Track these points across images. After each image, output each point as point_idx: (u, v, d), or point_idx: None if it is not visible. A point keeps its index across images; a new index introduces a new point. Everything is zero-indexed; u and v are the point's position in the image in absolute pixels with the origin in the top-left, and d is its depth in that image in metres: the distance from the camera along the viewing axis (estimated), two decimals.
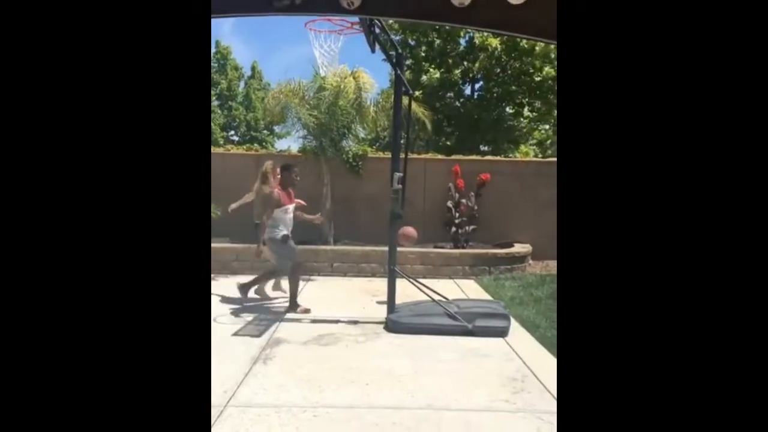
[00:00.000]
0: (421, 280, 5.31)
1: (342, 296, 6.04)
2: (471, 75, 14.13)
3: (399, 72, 4.63)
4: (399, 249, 5.01)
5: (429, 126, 8.88)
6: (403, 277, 5.03)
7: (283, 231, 5.16)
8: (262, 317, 4.89)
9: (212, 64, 27.13)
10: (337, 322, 4.73)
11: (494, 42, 13.14)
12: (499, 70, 13.78)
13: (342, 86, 7.74)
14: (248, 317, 4.86)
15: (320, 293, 6.17)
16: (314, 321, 4.76)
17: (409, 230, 5.11)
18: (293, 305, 5.11)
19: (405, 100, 4.92)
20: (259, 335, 4.29)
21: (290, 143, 29.93)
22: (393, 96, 4.95)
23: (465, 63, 13.92)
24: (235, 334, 4.33)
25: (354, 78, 7.86)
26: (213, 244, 7.44)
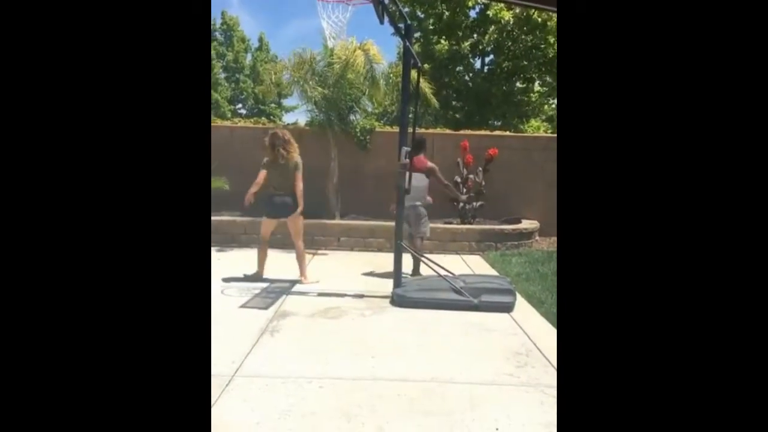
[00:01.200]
0: (427, 256, 5.32)
1: (348, 270, 6.07)
2: (481, 48, 13.91)
3: (408, 44, 4.56)
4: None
5: (434, 101, 8.77)
6: (409, 252, 5.04)
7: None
8: (269, 290, 4.94)
9: (219, 35, 26.86)
10: (343, 295, 4.77)
11: (506, 15, 12.90)
12: (510, 43, 13.55)
13: (351, 59, 7.64)
14: (255, 290, 4.90)
15: (326, 267, 6.20)
16: (321, 294, 4.80)
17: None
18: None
19: (414, 73, 4.85)
20: (266, 308, 4.33)
21: (298, 116, 29.81)
22: (402, 69, 4.88)
23: (475, 35, 13.69)
24: (243, 306, 4.38)
25: (363, 50, 7.75)
26: (223, 217, 7.48)
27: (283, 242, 7.32)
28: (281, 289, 5.00)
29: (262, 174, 5.16)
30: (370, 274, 5.89)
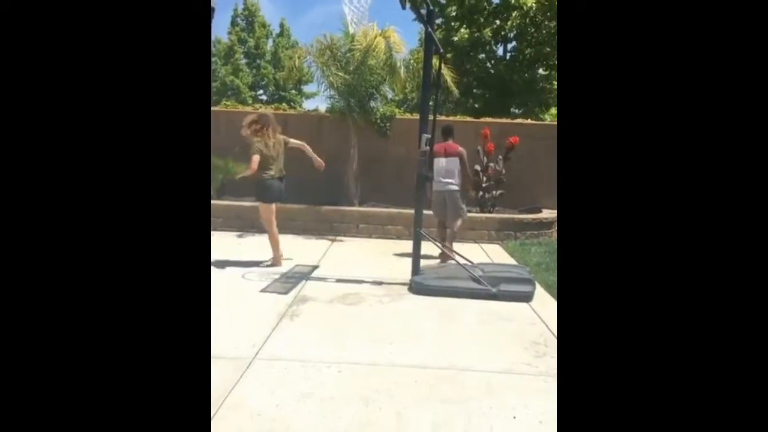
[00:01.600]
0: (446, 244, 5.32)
1: (367, 257, 6.09)
2: (503, 34, 13.71)
3: (430, 29, 4.51)
4: (425, 212, 5.00)
5: (454, 89, 8.68)
6: (428, 239, 5.04)
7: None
8: (288, 275, 4.99)
9: (240, 21, 26.88)
10: (361, 282, 4.79)
11: (530, 0, 12.67)
12: (533, 29, 13.33)
13: (372, 45, 7.60)
14: (275, 275, 4.95)
15: (345, 254, 6.24)
16: (339, 280, 4.83)
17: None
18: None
19: (435, 60, 4.81)
20: (285, 293, 4.38)
21: (317, 103, 29.83)
22: (423, 55, 4.84)
23: (497, 22, 13.49)
24: (263, 290, 4.43)
25: (384, 37, 7.70)
26: (243, 203, 7.54)
27: (302, 228, 7.38)
28: (301, 274, 5.04)
29: (257, 159, 5.07)
30: (389, 261, 5.90)
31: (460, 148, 5.78)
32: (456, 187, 5.78)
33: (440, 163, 5.75)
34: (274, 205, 5.30)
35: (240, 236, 7.12)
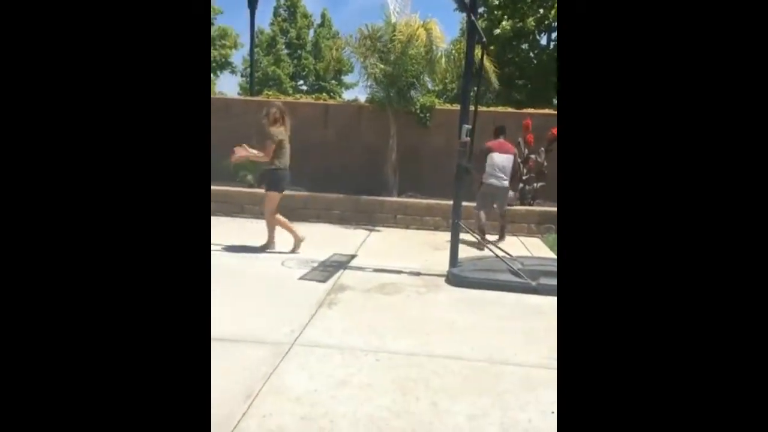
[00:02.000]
0: (486, 236, 5.28)
1: (404, 248, 6.10)
2: (546, 23, 13.40)
3: (473, 18, 4.46)
4: (464, 203, 4.96)
5: (494, 80, 8.54)
6: (467, 231, 5.01)
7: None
8: (326, 264, 5.05)
9: (282, 12, 27.13)
10: (399, 272, 4.81)
11: None
12: None
13: (414, 35, 7.56)
14: (314, 263, 5.02)
15: (383, 244, 6.26)
16: (377, 270, 4.86)
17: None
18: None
19: (477, 51, 4.75)
20: (324, 281, 4.44)
21: (357, 93, 29.90)
22: (466, 45, 4.79)
23: (540, 11, 13.19)
24: (302, 278, 4.51)
25: (425, 29, 7.64)
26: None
27: (340, 217, 7.44)
28: (339, 263, 5.10)
29: (273, 147, 5.14)
30: (426, 252, 5.90)
31: (514, 148, 6.39)
32: (507, 184, 6.26)
33: (497, 159, 6.15)
34: (280, 196, 5.40)
35: None
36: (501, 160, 6.17)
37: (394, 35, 7.79)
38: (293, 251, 5.42)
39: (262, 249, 5.45)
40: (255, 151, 5.19)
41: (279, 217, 5.44)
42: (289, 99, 9.82)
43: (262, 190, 5.46)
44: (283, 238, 5.52)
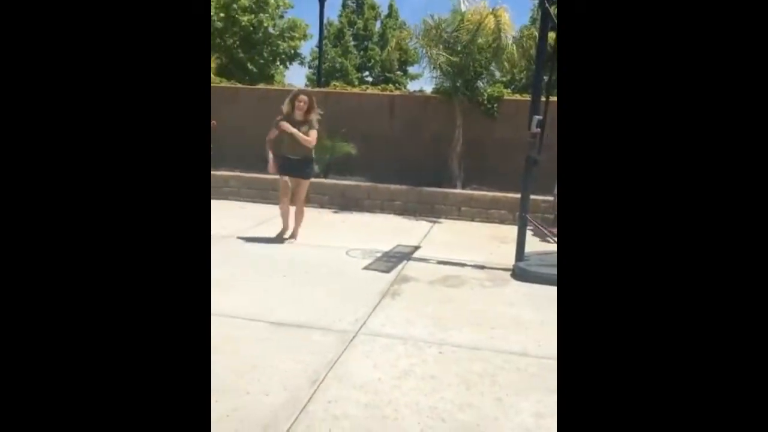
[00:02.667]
0: (553, 230, 5.11)
1: (469, 241, 6.03)
2: None
3: (546, 3, 4.30)
4: (532, 196, 4.82)
5: None
6: (534, 225, 4.88)
7: None
8: (390, 255, 5.06)
9: (350, 3, 27.34)
10: (463, 265, 4.76)
11: None
12: None
13: (483, 24, 7.40)
14: (377, 254, 5.05)
15: (447, 236, 6.21)
16: (440, 262, 4.83)
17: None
18: None
19: (550, 38, 4.59)
20: (387, 271, 4.46)
21: (422, 84, 29.73)
22: (537, 32, 4.63)
23: None
24: (366, 268, 4.55)
25: (495, 16, 7.46)
26: (348, 182, 7.75)
27: (403, 208, 7.45)
28: (402, 254, 5.10)
29: (315, 135, 5.16)
30: (491, 245, 5.80)
31: None
32: None
33: None
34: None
35: (335, 212, 7.31)
36: None
37: (461, 24, 7.66)
38: (291, 237, 5.40)
39: (282, 239, 5.37)
40: (300, 134, 5.06)
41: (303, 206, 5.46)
42: (356, 90, 9.90)
43: (300, 179, 5.28)
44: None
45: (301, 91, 5.34)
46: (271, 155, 5.24)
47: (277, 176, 5.43)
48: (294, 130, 5.05)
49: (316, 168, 5.36)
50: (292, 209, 5.38)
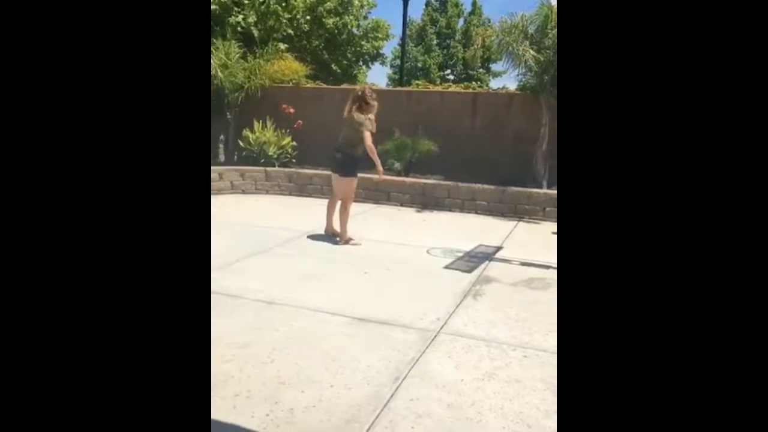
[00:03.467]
0: None
1: (554, 243, 5.81)
2: None
3: None
4: None
5: None
6: None
7: None
8: (472, 254, 4.99)
9: (433, 1, 27.25)
10: (548, 267, 4.59)
11: None
12: None
13: None
14: (458, 253, 4.99)
15: (530, 237, 6.03)
16: (524, 264, 4.70)
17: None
18: None
19: None
20: (469, 271, 4.39)
21: (505, 81, 29.11)
22: None
23: None
24: (447, 267, 4.51)
25: None
26: (428, 180, 7.73)
27: (486, 208, 7.32)
28: (484, 254, 5.01)
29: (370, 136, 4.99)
30: None
31: None
32: None
33: None
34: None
35: (418, 211, 7.30)
36: None
37: (549, 20, 7.41)
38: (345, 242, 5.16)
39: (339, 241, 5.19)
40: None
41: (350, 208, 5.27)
42: (437, 88, 9.84)
43: (373, 176, 5.27)
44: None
45: (359, 90, 5.27)
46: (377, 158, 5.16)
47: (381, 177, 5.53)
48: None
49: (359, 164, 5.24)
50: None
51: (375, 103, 5.10)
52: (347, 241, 5.14)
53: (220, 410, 2.12)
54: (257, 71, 9.05)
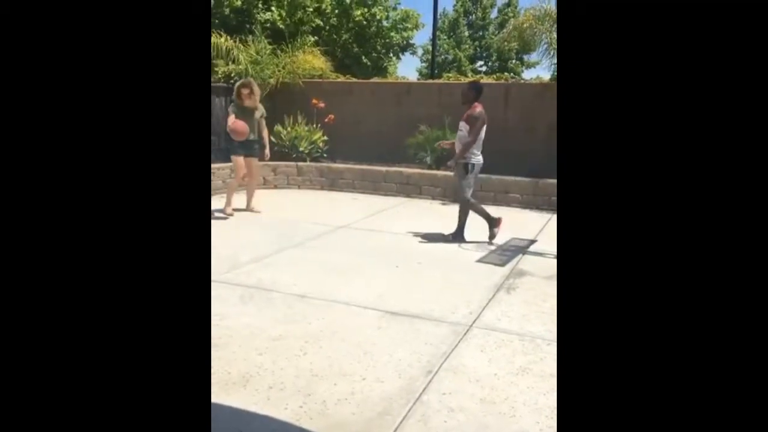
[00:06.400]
0: None
1: None
2: None
3: None
4: None
5: None
6: None
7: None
8: (504, 248, 4.93)
9: None
10: None
11: None
12: None
13: None
14: (491, 246, 4.94)
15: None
16: None
17: (239, 125, 5.70)
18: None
19: None
20: (502, 264, 4.34)
21: (539, 72, 28.60)
22: None
23: None
24: (479, 261, 4.46)
25: None
26: (449, 172, 7.64)
27: (520, 201, 7.21)
28: (517, 247, 4.94)
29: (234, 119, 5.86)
30: None
31: None
32: None
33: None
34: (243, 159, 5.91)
35: (449, 205, 7.23)
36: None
37: None
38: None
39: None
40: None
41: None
42: (469, 80, 9.71)
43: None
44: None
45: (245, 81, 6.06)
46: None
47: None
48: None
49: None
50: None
51: (247, 91, 5.90)
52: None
53: (254, 402, 2.15)
54: (287, 66, 9.11)
